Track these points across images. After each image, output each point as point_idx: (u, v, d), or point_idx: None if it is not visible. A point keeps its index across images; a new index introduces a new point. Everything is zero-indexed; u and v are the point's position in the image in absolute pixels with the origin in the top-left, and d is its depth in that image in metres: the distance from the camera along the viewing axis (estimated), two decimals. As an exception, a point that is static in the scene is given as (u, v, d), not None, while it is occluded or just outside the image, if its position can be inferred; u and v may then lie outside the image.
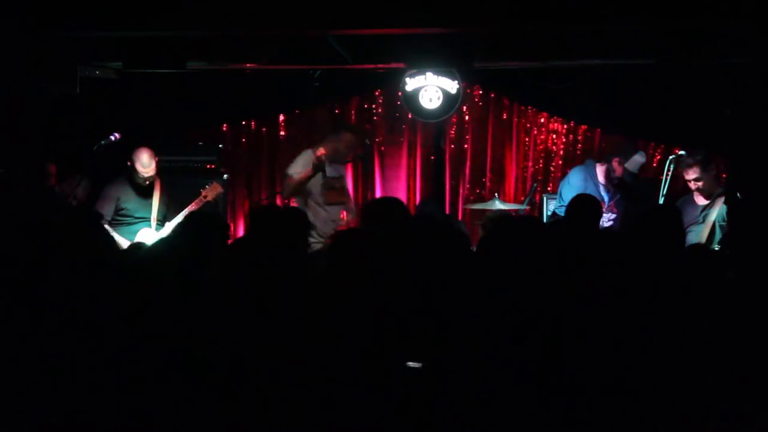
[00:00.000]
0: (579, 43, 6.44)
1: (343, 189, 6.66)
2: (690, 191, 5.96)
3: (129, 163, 6.15)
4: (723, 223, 5.65)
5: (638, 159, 6.24)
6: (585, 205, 4.99)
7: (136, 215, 6.15)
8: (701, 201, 5.82)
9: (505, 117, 8.19)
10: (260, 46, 6.75)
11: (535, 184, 7.63)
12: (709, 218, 5.70)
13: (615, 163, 6.22)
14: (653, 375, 2.95)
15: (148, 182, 6.20)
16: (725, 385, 2.91)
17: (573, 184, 6.26)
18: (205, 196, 6.28)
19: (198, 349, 3.00)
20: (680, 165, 5.93)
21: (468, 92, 7.92)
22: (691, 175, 5.80)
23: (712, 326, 3.13)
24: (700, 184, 5.78)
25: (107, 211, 6.08)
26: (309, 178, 6.35)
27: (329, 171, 6.46)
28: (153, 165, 6.16)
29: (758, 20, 5.24)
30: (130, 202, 6.16)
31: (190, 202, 6.28)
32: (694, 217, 5.69)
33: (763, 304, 3.25)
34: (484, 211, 6.96)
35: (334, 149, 6.46)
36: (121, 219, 6.13)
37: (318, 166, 6.31)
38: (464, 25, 5.69)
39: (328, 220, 6.38)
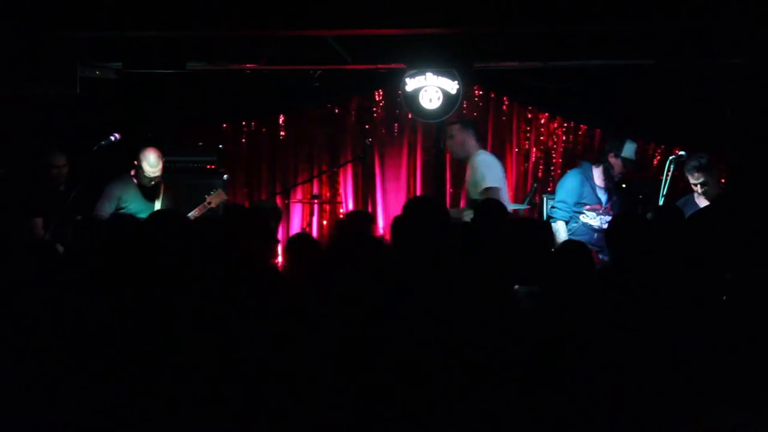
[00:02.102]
0: (579, 43, 6.44)
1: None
2: (690, 192, 5.95)
3: (135, 163, 6.13)
4: None
5: (630, 145, 6.21)
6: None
7: (138, 216, 6.12)
8: (702, 202, 5.81)
9: (505, 117, 8.19)
10: (260, 46, 6.76)
11: (535, 184, 7.63)
12: None
13: (611, 160, 6.20)
14: (656, 375, 2.95)
15: (153, 183, 6.18)
16: (726, 385, 2.91)
17: (568, 188, 6.25)
18: (209, 203, 6.27)
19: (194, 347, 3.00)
20: (685, 169, 5.92)
21: (468, 92, 7.92)
22: (697, 178, 5.78)
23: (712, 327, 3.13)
24: (707, 187, 5.77)
25: (107, 209, 6.07)
26: None
27: None
28: (160, 165, 6.14)
29: (758, 20, 5.25)
30: (133, 202, 6.14)
31: (190, 203, 6.27)
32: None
33: (761, 304, 3.25)
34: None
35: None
36: (121, 219, 6.12)
37: None
38: (464, 25, 5.69)
39: None
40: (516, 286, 3.64)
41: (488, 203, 4.92)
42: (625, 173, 6.23)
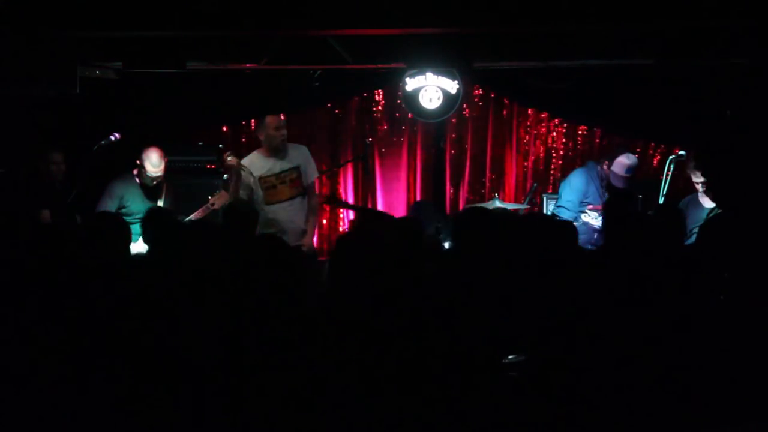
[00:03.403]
0: (579, 43, 6.44)
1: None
2: (694, 191, 5.95)
3: (138, 162, 6.13)
4: None
5: (623, 161, 6.11)
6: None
7: (139, 215, 6.12)
8: (707, 203, 5.79)
9: (505, 117, 8.19)
10: (260, 46, 6.76)
11: (535, 184, 7.63)
12: None
13: (605, 167, 6.21)
14: (651, 373, 2.95)
15: (155, 182, 6.17)
16: (725, 385, 2.91)
17: (574, 186, 6.25)
18: (212, 204, 6.25)
19: (198, 347, 3.00)
20: (688, 167, 5.90)
21: (468, 92, 7.92)
22: (700, 177, 5.77)
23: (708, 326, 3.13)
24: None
25: (109, 208, 6.06)
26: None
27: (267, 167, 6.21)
28: (162, 165, 6.13)
29: (758, 20, 5.25)
30: (135, 201, 6.14)
31: (191, 203, 6.27)
32: (701, 219, 5.66)
33: (759, 304, 3.25)
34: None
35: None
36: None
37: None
38: (464, 25, 5.69)
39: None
40: None
41: None
42: (615, 185, 6.17)
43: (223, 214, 5.40)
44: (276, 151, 6.18)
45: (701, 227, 3.99)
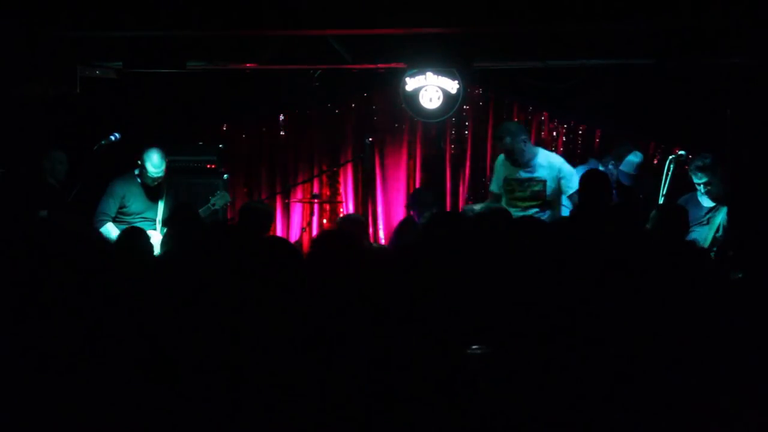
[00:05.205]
0: (579, 43, 6.44)
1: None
2: (693, 190, 5.95)
3: (139, 162, 6.14)
4: (726, 225, 5.65)
5: (632, 159, 6.17)
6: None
7: (140, 215, 6.14)
8: (706, 202, 5.80)
9: (505, 117, 8.18)
10: (260, 45, 6.76)
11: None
12: (714, 220, 5.69)
13: (610, 167, 6.22)
14: (654, 374, 2.95)
15: (156, 183, 6.19)
16: (728, 385, 2.91)
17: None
18: (213, 205, 6.28)
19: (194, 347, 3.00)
20: (689, 169, 5.91)
21: (468, 92, 7.91)
22: (700, 178, 5.77)
23: (717, 326, 3.13)
24: (710, 187, 5.76)
25: (111, 208, 6.09)
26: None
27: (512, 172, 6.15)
28: (163, 166, 6.15)
29: (758, 20, 5.25)
30: (136, 201, 6.16)
31: (191, 202, 6.27)
32: (699, 218, 5.67)
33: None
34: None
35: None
36: (123, 217, 6.13)
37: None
38: (464, 25, 5.69)
39: None
40: None
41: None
42: (619, 185, 6.20)
43: (239, 213, 5.43)
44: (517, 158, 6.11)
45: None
